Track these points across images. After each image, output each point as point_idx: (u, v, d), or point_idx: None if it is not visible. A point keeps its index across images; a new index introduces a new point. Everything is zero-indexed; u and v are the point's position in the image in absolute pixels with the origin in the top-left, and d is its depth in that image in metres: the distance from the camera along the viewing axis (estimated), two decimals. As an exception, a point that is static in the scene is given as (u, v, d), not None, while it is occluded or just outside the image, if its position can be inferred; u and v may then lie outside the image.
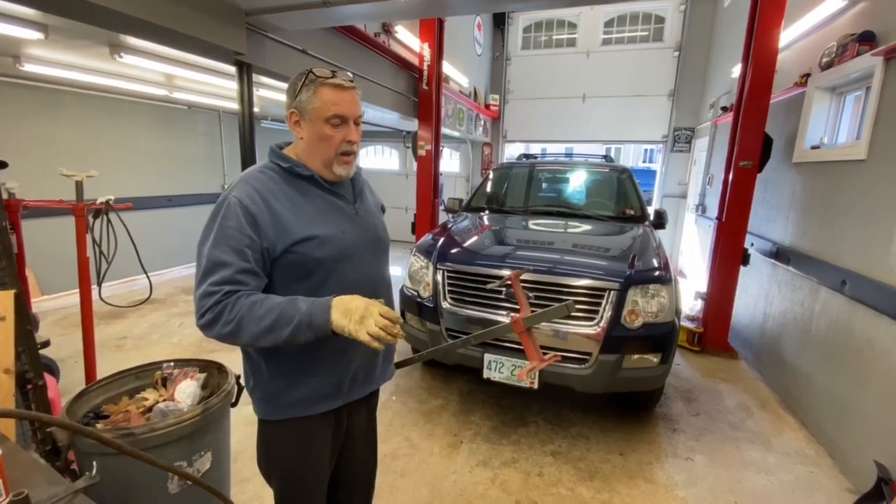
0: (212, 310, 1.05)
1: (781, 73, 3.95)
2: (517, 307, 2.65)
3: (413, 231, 5.85)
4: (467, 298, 2.81)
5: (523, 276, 2.56)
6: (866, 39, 2.75)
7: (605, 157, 5.35)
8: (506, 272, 2.68)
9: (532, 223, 3.77)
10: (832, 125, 3.41)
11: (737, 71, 4.52)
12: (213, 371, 1.71)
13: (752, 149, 3.87)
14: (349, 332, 1.04)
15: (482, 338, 1.37)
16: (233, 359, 1.56)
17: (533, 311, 1.37)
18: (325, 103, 1.14)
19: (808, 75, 3.53)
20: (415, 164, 6.02)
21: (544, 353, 1.35)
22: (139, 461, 0.81)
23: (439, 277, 2.90)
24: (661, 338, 2.58)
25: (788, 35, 3.84)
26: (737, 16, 5.66)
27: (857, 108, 3.15)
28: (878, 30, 2.72)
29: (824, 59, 3.23)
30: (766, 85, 3.79)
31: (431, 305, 2.88)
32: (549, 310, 1.33)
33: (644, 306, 2.59)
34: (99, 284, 2.60)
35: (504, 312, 2.70)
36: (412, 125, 6.18)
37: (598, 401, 3.21)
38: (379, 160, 9.92)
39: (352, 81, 1.19)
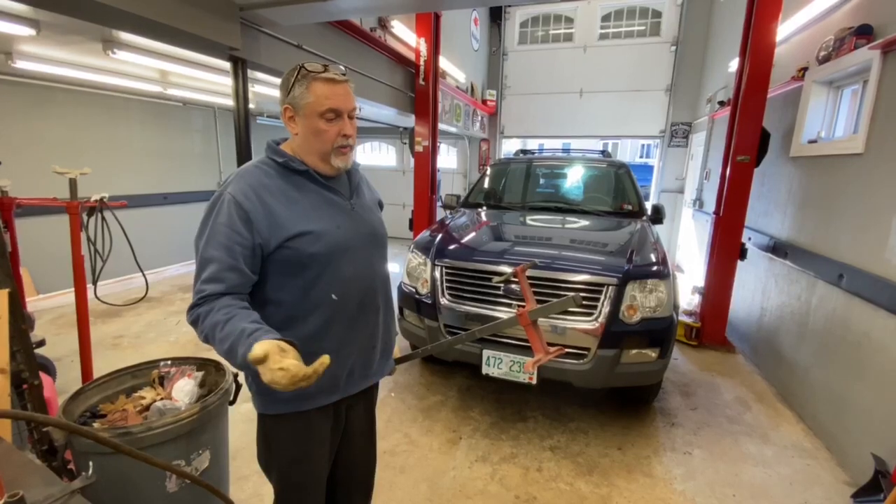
0: (191, 312, 1.10)
1: (779, 67, 3.94)
2: (515, 303, 2.67)
3: (410, 227, 5.83)
4: (465, 295, 2.81)
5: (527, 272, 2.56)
6: (864, 33, 2.75)
7: (603, 152, 5.35)
8: (503, 268, 2.68)
9: (530, 219, 3.76)
10: (829, 119, 3.41)
11: (734, 65, 4.52)
12: (210, 369, 1.70)
13: (749, 143, 3.87)
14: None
15: (487, 331, 1.36)
16: (230, 357, 1.55)
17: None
18: (318, 98, 1.14)
19: (805, 69, 3.53)
20: (412, 161, 5.99)
21: (549, 347, 1.34)
22: (137, 460, 0.80)
23: (437, 274, 2.89)
24: (659, 332, 2.59)
25: (786, 29, 3.83)
26: (734, 10, 5.64)
27: (854, 102, 3.15)
28: (875, 23, 2.72)
29: (822, 53, 3.22)
30: (764, 79, 3.79)
31: (429, 302, 2.87)
32: (556, 302, 1.32)
33: (642, 301, 2.59)
34: (94, 283, 2.58)
35: (502, 308, 2.69)
36: (409, 121, 6.15)
37: (597, 396, 3.22)
38: (376, 156, 9.88)
39: (344, 75, 1.19)
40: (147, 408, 1.51)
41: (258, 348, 0.91)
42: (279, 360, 0.91)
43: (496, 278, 2.19)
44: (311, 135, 1.18)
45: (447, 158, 9.66)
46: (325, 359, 0.94)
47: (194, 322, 1.10)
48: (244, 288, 1.14)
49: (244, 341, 0.97)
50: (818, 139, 3.42)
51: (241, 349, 0.96)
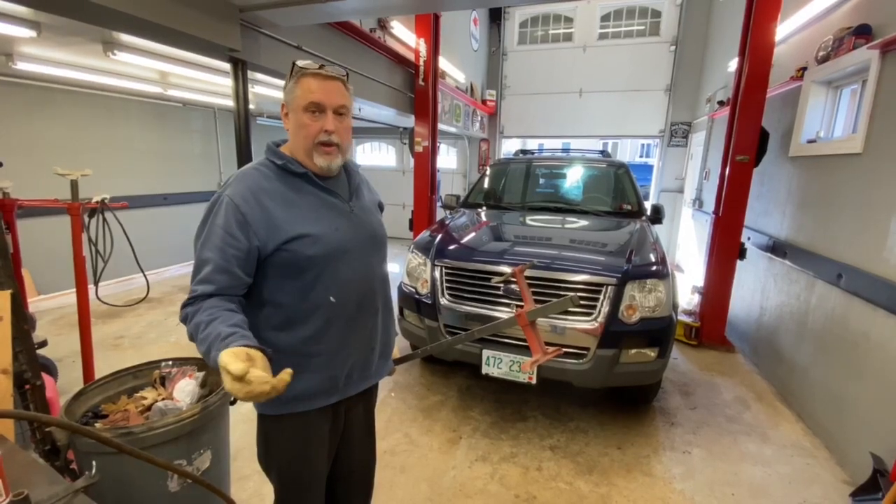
0: (182, 312, 1.10)
1: (778, 67, 3.95)
2: (515, 303, 2.68)
3: (410, 228, 5.84)
4: (465, 295, 2.81)
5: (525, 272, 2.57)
6: (863, 33, 2.75)
7: (602, 152, 5.35)
8: (503, 268, 2.69)
9: (529, 219, 3.77)
10: (828, 119, 3.42)
11: (733, 65, 4.52)
12: (211, 369, 1.71)
13: (748, 143, 3.88)
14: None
15: (487, 331, 1.37)
16: (231, 357, 1.56)
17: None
18: (303, 92, 1.16)
19: (804, 69, 3.53)
20: (411, 161, 6.00)
21: (547, 347, 1.35)
22: (139, 460, 0.81)
23: (437, 274, 2.90)
24: (658, 332, 2.59)
25: (785, 29, 3.83)
26: (733, 10, 5.64)
27: (853, 102, 3.15)
28: (874, 23, 2.72)
29: (821, 53, 3.23)
30: (763, 79, 3.79)
31: (429, 302, 2.88)
32: (554, 303, 1.33)
33: (641, 301, 2.60)
34: (95, 284, 2.59)
35: (502, 308, 2.70)
36: (409, 121, 6.16)
37: (596, 395, 3.23)
38: (375, 157, 9.89)
39: (344, 75, 1.20)
40: (148, 408, 1.52)
41: (224, 357, 0.89)
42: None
43: (495, 278, 2.20)
44: (296, 129, 1.19)
45: (447, 158, 9.66)
46: (285, 375, 0.91)
47: (184, 321, 1.11)
48: (235, 290, 1.14)
49: (217, 345, 0.96)
50: (817, 139, 3.43)
51: (214, 353, 0.96)
